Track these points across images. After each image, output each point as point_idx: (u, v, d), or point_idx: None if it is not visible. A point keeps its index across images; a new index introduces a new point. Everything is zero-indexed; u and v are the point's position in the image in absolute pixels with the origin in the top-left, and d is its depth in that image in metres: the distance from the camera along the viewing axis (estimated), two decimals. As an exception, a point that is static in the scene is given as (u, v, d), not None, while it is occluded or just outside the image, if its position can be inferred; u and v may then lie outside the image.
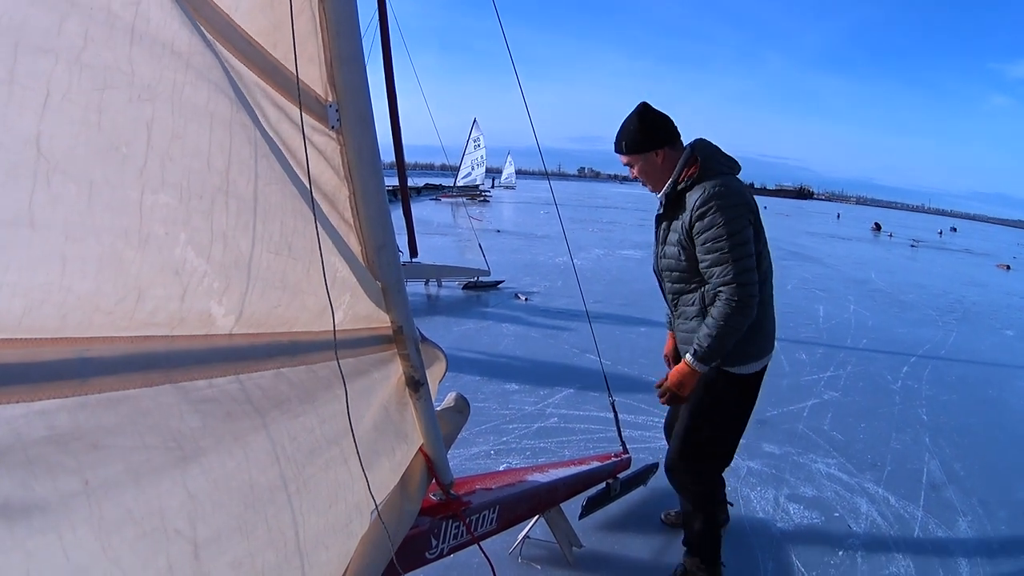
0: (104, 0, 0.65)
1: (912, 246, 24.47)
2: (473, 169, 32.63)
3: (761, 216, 2.21)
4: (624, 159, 2.29)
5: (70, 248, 0.64)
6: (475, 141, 32.33)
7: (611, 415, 2.97)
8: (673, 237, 2.23)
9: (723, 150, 2.28)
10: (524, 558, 2.56)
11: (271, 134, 1.02)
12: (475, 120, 32.55)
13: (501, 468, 3.23)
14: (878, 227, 33.27)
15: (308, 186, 1.06)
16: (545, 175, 3.67)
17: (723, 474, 2.94)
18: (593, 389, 4.50)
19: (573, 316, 6.86)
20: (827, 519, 3.06)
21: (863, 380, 5.39)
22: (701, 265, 2.13)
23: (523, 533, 2.58)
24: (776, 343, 2.34)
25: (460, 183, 31.73)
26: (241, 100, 0.88)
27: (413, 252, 8.18)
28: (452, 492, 1.96)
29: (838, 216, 49.52)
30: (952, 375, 5.80)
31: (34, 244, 0.60)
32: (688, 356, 2.16)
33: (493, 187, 39.08)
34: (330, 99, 1.16)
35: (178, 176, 0.76)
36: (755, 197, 2.23)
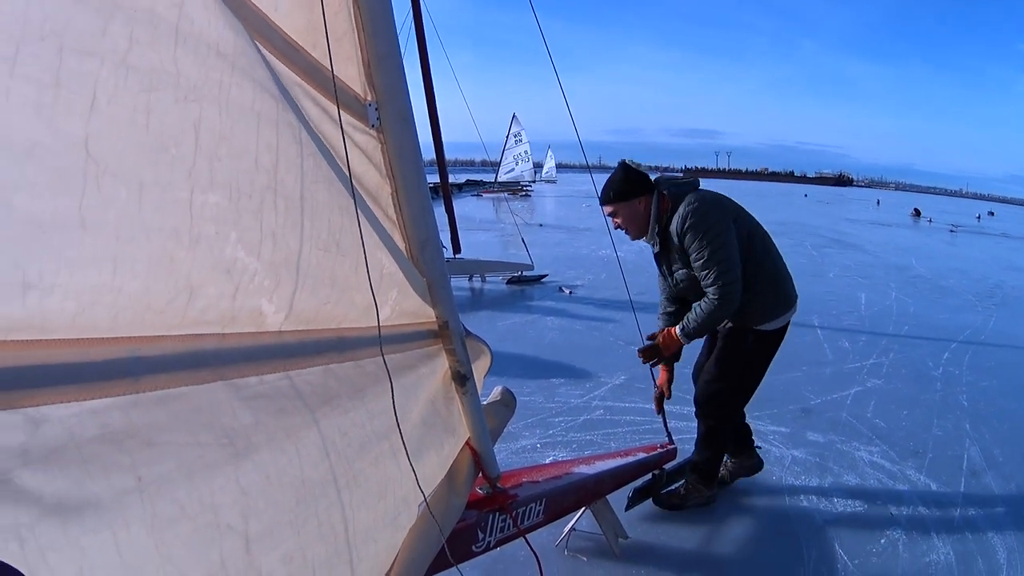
0: (148, 1, 0.65)
1: (951, 231, 23.47)
2: (517, 164, 31.97)
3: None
4: (609, 208, 2.65)
5: (121, 249, 0.65)
6: (516, 136, 31.71)
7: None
8: (677, 265, 2.62)
9: (679, 176, 2.67)
10: (571, 550, 2.54)
11: (316, 133, 1.02)
12: (514, 115, 31.90)
13: (547, 461, 3.22)
14: (917, 213, 32.12)
15: (350, 183, 1.06)
16: (587, 168, 3.67)
17: (768, 463, 3.26)
18: (639, 380, 4.44)
19: (617, 308, 6.77)
20: (869, 507, 3.01)
21: (905, 367, 5.25)
22: (694, 271, 2.52)
23: (569, 525, 2.57)
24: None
25: (502, 178, 31.43)
26: (286, 99, 0.88)
27: (456, 248, 8.20)
28: (499, 485, 1.96)
29: (878, 203, 47.81)
30: (992, 360, 5.60)
31: (85, 246, 0.61)
32: (677, 328, 2.64)
33: (535, 181, 38.60)
34: (369, 98, 1.16)
35: (227, 175, 0.77)
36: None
